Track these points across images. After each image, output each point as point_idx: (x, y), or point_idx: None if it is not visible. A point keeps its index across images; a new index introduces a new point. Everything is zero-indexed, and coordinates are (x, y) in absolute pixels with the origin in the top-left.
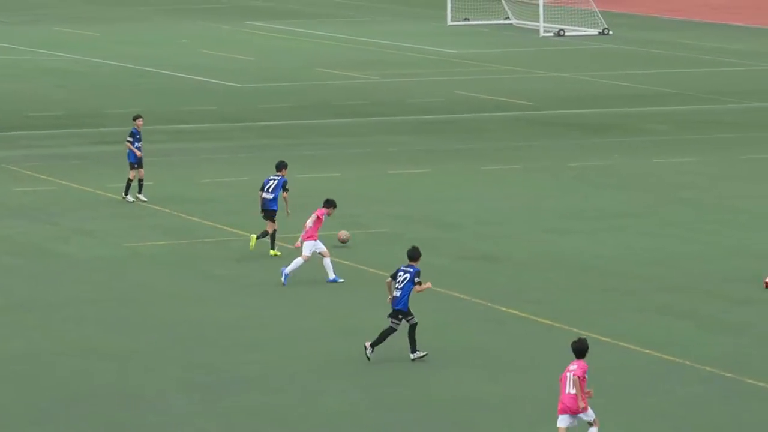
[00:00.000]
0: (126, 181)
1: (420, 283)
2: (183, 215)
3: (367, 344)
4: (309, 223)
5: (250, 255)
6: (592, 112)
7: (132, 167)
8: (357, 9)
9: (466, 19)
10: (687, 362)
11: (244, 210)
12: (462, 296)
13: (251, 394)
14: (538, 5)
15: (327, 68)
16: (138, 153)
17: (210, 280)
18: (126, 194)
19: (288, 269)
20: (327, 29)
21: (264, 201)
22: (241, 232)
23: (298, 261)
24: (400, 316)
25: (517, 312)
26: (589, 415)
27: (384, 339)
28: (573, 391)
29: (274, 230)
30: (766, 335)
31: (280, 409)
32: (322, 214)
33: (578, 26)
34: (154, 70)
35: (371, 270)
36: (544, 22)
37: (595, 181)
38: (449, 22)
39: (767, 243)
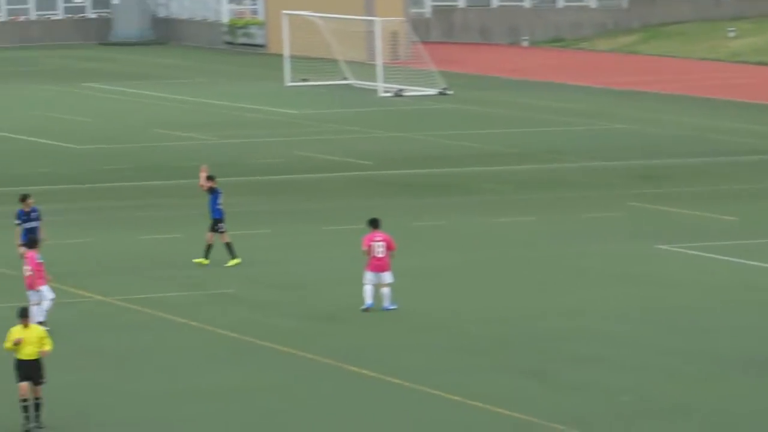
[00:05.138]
0: None
1: None
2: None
3: None
4: None
5: None
6: (431, 171)
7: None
8: (194, 71)
9: (304, 80)
10: (536, 420)
11: (94, 272)
12: (309, 356)
13: None
14: (376, 65)
15: (164, 129)
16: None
17: None
18: None
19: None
20: (164, 91)
21: None
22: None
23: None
24: None
25: (365, 371)
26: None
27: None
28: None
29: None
30: (610, 391)
31: None
32: None
33: (417, 86)
34: None
35: (218, 330)
36: (383, 82)
37: (433, 240)
38: (287, 83)
39: (609, 301)
